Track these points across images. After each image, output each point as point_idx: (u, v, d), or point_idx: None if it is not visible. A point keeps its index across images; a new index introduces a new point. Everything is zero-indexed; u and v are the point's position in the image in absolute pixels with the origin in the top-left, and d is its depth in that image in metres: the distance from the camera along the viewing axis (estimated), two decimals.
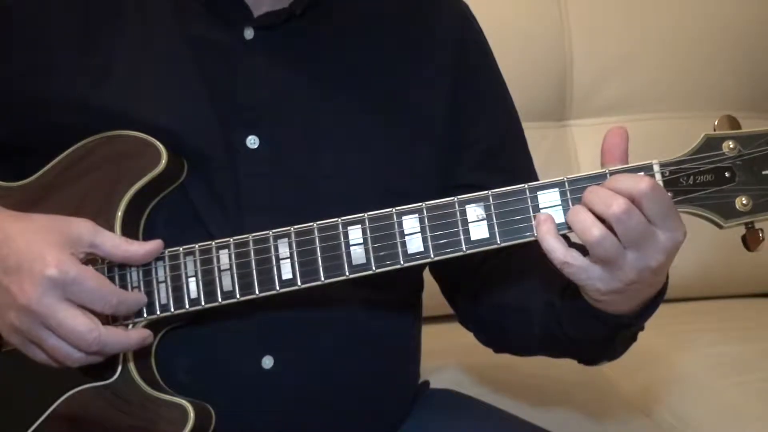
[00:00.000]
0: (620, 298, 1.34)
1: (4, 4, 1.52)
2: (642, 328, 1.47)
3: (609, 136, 1.34)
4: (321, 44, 1.53)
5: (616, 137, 1.34)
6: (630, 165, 1.32)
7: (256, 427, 1.47)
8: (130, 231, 1.43)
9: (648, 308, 1.39)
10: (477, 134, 1.58)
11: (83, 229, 1.38)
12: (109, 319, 1.39)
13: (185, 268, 1.40)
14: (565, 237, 1.33)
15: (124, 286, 1.41)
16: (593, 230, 1.27)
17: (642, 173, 1.31)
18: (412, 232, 1.35)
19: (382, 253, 1.36)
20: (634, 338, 1.49)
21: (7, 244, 1.37)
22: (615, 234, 1.27)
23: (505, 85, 1.66)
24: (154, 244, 1.40)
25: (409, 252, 1.35)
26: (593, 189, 1.30)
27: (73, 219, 1.40)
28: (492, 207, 1.34)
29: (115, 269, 1.41)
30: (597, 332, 1.41)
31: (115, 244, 1.39)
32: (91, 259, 1.40)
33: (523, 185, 1.34)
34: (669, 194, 1.29)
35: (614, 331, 1.41)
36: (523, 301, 1.52)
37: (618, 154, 1.33)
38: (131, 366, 1.41)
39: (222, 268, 1.39)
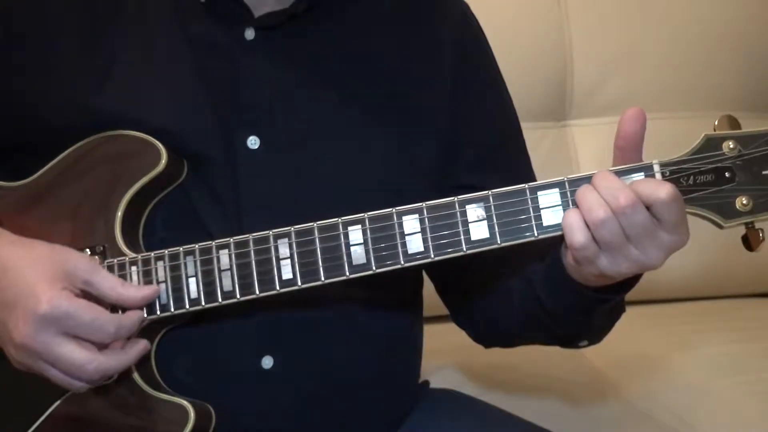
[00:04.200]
0: (606, 281, 1.35)
1: (4, 4, 1.52)
2: (623, 308, 1.48)
3: (627, 122, 1.31)
4: (321, 45, 1.53)
5: (636, 123, 1.31)
6: (630, 165, 1.32)
7: (256, 426, 1.47)
8: (129, 231, 1.43)
9: (625, 285, 1.39)
10: (476, 135, 1.58)
11: (80, 264, 1.37)
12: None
13: (185, 268, 1.40)
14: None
15: None
16: (599, 211, 1.27)
17: (660, 178, 1.30)
18: (413, 232, 1.35)
19: (383, 253, 1.36)
20: (615, 316, 1.50)
21: (5, 275, 1.36)
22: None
23: (505, 85, 1.66)
24: (151, 290, 1.39)
25: (410, 252, 1.35)
26: (605, 175, 1.30)
27: (73, 253, 1.39)
28: (492, 207, 1.34)
29: (114, 269, 1.41)
30: (574, 303, 1.42)
31: (110, 285, 1.37)
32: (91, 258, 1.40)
33: (523, 185, 1.34)
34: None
35: (590, 303, 1.41)
36: (505, 285, 1.53)
37: (637, 144, 1.31)
38: (131, 366, 1.41)
39: (222, 268, 1.39)
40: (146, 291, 1.39)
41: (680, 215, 1.29)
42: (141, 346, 1.39)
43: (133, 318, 1.38)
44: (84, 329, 1.34)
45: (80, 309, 1.34)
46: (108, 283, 1.37)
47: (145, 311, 1.40)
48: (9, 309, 1.35)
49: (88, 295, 1.37)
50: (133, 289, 1.38)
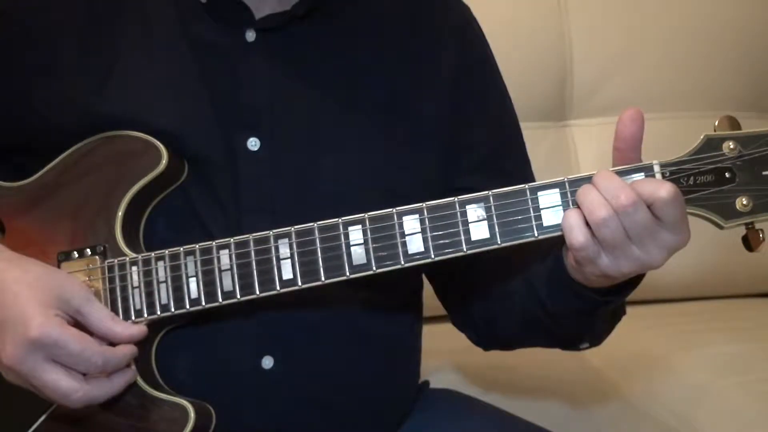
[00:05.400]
0: (607, 281, 1.35)
1: (4, 5, 1.52)
2: (624, 311, 1.48)
3: (626, 123, 1.32)
4: (322, 46, 1.53)
5: (634, 125, 1.31)
6: (630, 165, 1.32)
7: (256, 426, 1.47)
8: (130, 231, 1.43)
9: (628, 286, 1.39)
10: (476, 137, 1.58)
11: (75, 293, 1.37)
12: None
13: (186, 268, 1.40)
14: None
15: (125, 287, 1.41)
16: (601, 210, 1.27)
17: (660, 179, 1.30)
18: (413, 233, 1.35)
19: (383, 254, 1.36)
20: (616, 318, 1.50)
21: None
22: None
23: (505, 87, 1.66)
24: (138, 330, 1.38)
25: (410, 252, 1.35)
26: (605, 175, 1.30)
27: (69, 279, 1.39)
28: (492, 207, 1.34)
29: (115, 269, 1.42)
30: (575, 305, 1.42)
31: (101, 318, 1.37)
32: (92, 262, 1.40)
33: (523, 185, 1.34)
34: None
35: (591, 305, 1.41)
36: (505, 286, 1.53)
37: (635, 144, 1.32)
38: (131, 366, 1.41)
39: (222, 268, 1.39)
40: (133, 330, 1.38)
41: (681, 214, 1.29)
42: (127, 376, 1.39)
43: (124, 352, 1.37)
44: (72, 359, 1.33)
45: (69, 339, 1.33)
46: (98, 315, 1.37)
47: (145, 311, 1.40)
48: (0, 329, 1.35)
49: (78, 323, 1.37)
50: (121, 327, 1.38)
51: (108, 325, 1.37)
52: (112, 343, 1.38)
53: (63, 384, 1.33)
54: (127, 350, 1.38)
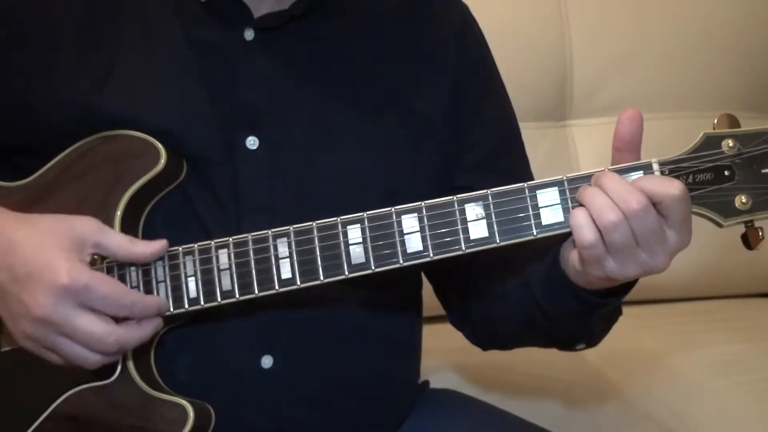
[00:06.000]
0: (608, 283, 1.35)
1: (4, 5, 1.52)
2: (620, 311, 1.48)
3: (625, 124, 1.32)
4: (321, 45, 1.53)
5: (633, 125, 1.31)
6: (629, 164, 1.32)
7: (256, 427, 1.47)
8: (129, 230, 1.43)
9: (625, 288, 1.39)
10: (475, 136, 1.58)
11: (87, 228, 1.38)
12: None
13: (184, 267, 1.40)
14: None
15: None
16: (610, 214, 1.27)
17: (667, 175, 1.30)
18: (412, 231, 1.35)
19: (382, 253, 1.36)
20: (612, 319, 1.50)
21: (14, 251, 1.36)
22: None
23: (504, 86, 1.66)
24: (159, 245, 1.39)
25: (409, 251, 1.35)
26: (611, 177, 1.29)
27: (77, 218, 1.39)
28: (491, 206, 1.34)
29: (114, 269, 1.42)
30: (572, 306, 1.41)
31: (119, 243, 1.38)
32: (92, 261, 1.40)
33: (522, 184, 1.34)
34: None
35: (589, 306, 1.41)
36: (503, 287, 1.53)
37: (635, 145, 1.32)
38: (131, 365, 1.41)
39: (221, 267, 1.39)
40: (154, 246, 1.39)
41: (687, 213, 1.29)
42: (155, 322, 1.39)
43: (153, 299, 1.39)
44: (101, 301, 1.34)
45: (99, 281, 1.34)
46: (117, 241, 1.38)
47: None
48: (22, 283, 1.35)
49: (92, 263, 1.38)
50: (142, 245, 1.39)
51: (127, 246, 1.38)
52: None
53: (96, 327, 1.34)
54: (153, 299, 1.39)
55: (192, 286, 1.40)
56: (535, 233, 1.32)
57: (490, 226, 1.34)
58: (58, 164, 1.49)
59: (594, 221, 1.28)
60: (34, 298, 1.34)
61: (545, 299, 1.45)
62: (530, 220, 1.33)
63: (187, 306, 1.40)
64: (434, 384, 1.74)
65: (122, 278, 1.41)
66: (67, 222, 1.39)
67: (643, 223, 1.27)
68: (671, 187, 1.27)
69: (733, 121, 1.32)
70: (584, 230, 1.29)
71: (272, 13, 1.50)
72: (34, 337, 1.36)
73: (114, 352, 1.36)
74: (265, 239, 1.38)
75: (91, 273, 1.35)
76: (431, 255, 1.35)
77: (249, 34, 1.50)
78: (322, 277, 1.37)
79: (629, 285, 1.39)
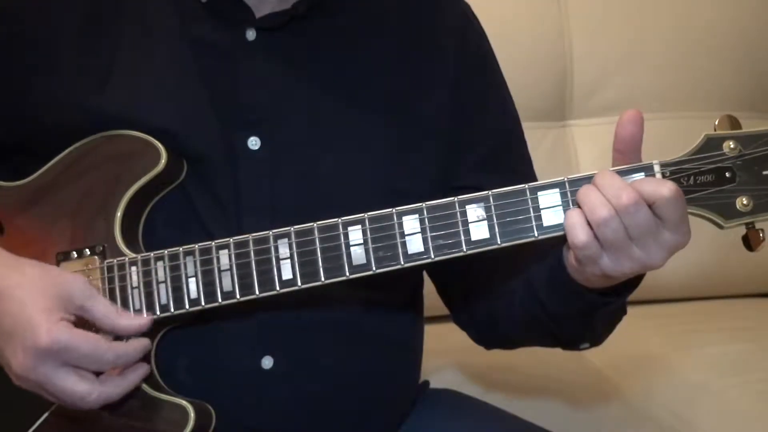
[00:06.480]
0: (608, 281, 1.35)
1: (4, 4, 1.52)
2: (625, 311, 1.48)
3: (625, 125, 1.31)
4: (323, 46, 1.53)
5: (633, 127, 1.31)
6: (630, 165, 1.32)
7: (256, 427, 1.47)
8: (129, 231, 1.43)
9: (628, 287, 1.39)
10: (478, 136, 1.58)
11: (75, 288, 1.37)
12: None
13: (185, 268, 1.40)
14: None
15: (124, 287, 1.41)
16: (602, 209, 1.27)
17: (660, 177, 1.30)
18: (413, 233, 1.35)
19: (383, 254, 1.35)
20: (616, 319, 1.50)
21: (1, 302, 1.36)
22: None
23: (506, 86, 1.66)
24: (145, 321, 1.39)
25: (410, 252, 1.35)
26: (606, 175, 1.29)
27: (67, 276, 1.38)
28: (492, 207, 1.34)
29: (114, 270, 1.41)
30: (575, 306, 1.41)
31: (105, 312, 1.37)
32: (91, 262, 1.40)
33: (523, 185, 1.34)
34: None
35: (592, 306, 1.41)
36: (506, 286, 1.53)
37: (635, 146, 1.31)
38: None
39: (222, 268, 1.39)
40: (139, 321, 1.38)
41: (682, 213, 1.29)
42: (141, 371, 1.39)
43: (135, 346, 1.38)
44: (83, 360, 1.34)
45: (79, 341, 1.34)
46: (102, 310, 1.37)
47: (145, 312, 1.40)
48: (7, 338, 1.35)
49: (84, 320, 1.37)
50: (126, 320, 1.38)
51: (112, 318, 1.37)
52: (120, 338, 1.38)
53: (77, 388, 1.34)
54: (138, 344, 1.38)
55: (193, 287, 1.39)
56: (536, 235, 1.32)
57: (491, 227, 1.33)
58: (58, 164, 1.49)
59: (587, 222, 1.28)
60: (16, 356, 1.34)
61: (549, 298, 1.45)
62: (531, 222, 1.33)
63: (187, 306, 1.40)
64: (434, 384, 1.74)
65: (122, 279, 1.41)
66: (56, 278, 1.38)
67: (634, 219, 1.27)
68: (663, 188, 1.27)
69: (734, 123, 1.32)
70: (577, 230, 1.29)
71: (274, 13, 1.50)
72: (22, 386, 1.37)
73: (100, 404, 1.36)
74: (266, 240, 1.38)
75: (71, 333, 1.34)
76: (432, 256, 1.35)
77: (251, 34, 1.50)
78: (323, 278, 1.36)
79: (633, 284, 1.39)
